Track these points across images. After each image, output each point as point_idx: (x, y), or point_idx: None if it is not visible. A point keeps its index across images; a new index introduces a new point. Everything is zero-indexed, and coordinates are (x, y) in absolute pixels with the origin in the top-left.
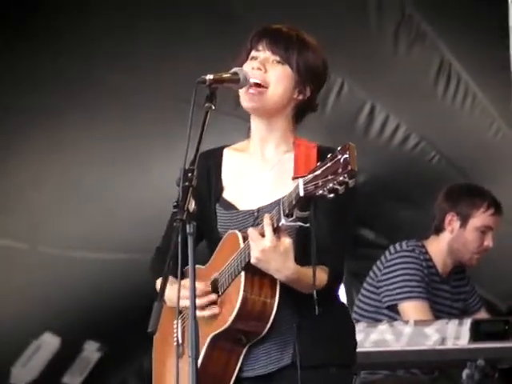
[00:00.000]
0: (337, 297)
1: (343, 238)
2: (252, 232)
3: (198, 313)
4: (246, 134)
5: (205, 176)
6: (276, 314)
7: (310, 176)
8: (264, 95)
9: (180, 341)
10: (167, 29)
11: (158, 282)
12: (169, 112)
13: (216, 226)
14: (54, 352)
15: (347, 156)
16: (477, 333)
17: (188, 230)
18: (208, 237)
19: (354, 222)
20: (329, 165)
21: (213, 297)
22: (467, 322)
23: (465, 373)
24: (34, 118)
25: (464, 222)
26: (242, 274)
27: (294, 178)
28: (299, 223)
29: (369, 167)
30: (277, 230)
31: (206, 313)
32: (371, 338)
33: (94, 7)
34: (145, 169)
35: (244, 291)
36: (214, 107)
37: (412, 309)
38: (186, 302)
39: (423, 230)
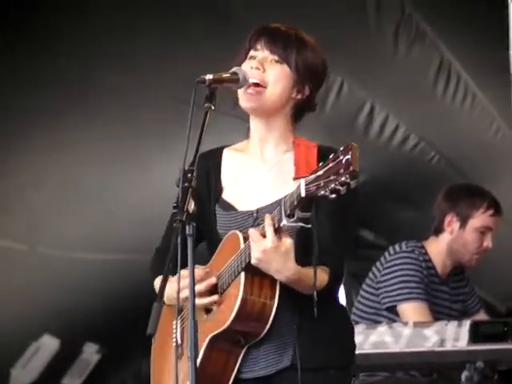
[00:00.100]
0: (336, 298)
1: (344, 238)
2: (253, 232)
3: (197, 300)
4: (246, 134)
5: (204, 177)
6: (276, 315)
7: (312, 176)
8: (262, 95)
9: (179, 341)
10: (167, 29)
11: (157, 281)
12: (168, 112)
13: (216, 226)
14: (53, 354)
15: (349, 157)
16: (476, 334)
17: (187, 231)
18: (208, 238)
19: (355, 223)
20: (331, 165)
21: (212, 280)
22: (466, 324)
23: (464, 375)
24: (34, 119)
25: (463, 222)
26: (242, 274)
27: (296, 179)
28: (300, 224)
29: (368, 167)
30: (278, 231)
31: (205, 300)
32: (370, 339)
33: (94, 7)
34: (144, 169)
35: (243, 292)
36: (213, 107)
37: (411, 310)
38: (185, 293)
39: (423, 230)
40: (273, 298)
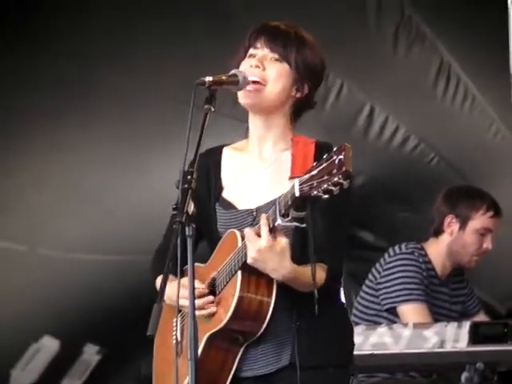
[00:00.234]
0: (335, 297)
1: (339, 237)
2: (248, 232)
3: (196, 312)
4: (245, 133)
5: (204, 175)
6: (274, 314)
7: (306, 176)
8: (262, 92)
9: (179, 339)
10: (167, 29)
11: (158, 280)
12: (168, 113)
13: (216, 225)
14: (53, 355)
15: (342, 157)
16: (476, 335)
17: (187, 233)
18: (208, 236)
19: (349, 222)
20: (324, 165)
21: (210, 298)
22: (466, 325)
23: (464, 376)
24: (34, 119)
25: (463, 224)
26: (239, 273)
27: (291, 178)
28: (295, 223)
29: (368, 169)
30: (273, 230)
31: (204, 312)
32: (370, 340)
33: (94, 7)
34: (144, 170)
35: (240, 290)
36: (213, 109)
37: (411, 311)
38: (184, 302)
39: (422, 232)
40: (270, 296)
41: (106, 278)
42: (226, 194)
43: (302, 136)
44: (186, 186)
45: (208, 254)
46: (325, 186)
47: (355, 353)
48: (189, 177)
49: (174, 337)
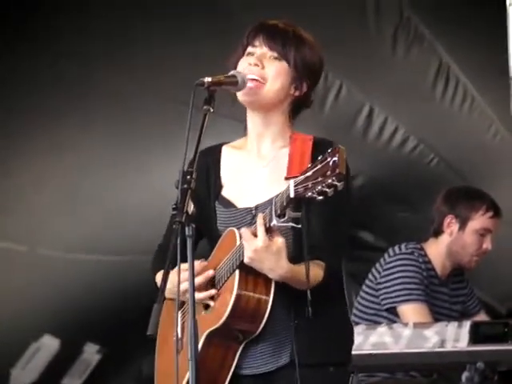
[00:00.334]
0: (335, 295)
1: (337, 234)
2: (245, 232)
3: (195, 295)
4: (243, 131)
5: (204, 174)
6: (273, 312)
7: (301, 177)
8: (261, 90)
9: (179, 335)
10: (167, 29)
11: (158, 276)
12: (168, 114)
13: (216, 223)
14: (53, 354)
15: (336, 159)
16: (476, 335)
17: (187, 233)
18: (208, 234)
19: (348, 222)
20: (319, 167)
21: (212, 292)
22: (466, 325)
23: (464, 375)
24: (34, 120)
25: (463, 224)
26: (237, 272)
27: (287, 178)
28: (291, 224)
29: (367, 169)
30: (269, 230)
31: (202, 295)
32: (370, 340)
33: (94, 8)
34: (144, 171)
35: (238, 288)
36: (212, 110)
37: (411, 311)
38: (185, 285)
39: (422, 232)
40: (268, 294)
41: (106, 278)
42: (225, 193)
43: (301, 133)
44: (185, 186)
45: (208, 252)
46: (319, 187)
47: (356, 352)
48: (188, 177)
49: (175, 333)
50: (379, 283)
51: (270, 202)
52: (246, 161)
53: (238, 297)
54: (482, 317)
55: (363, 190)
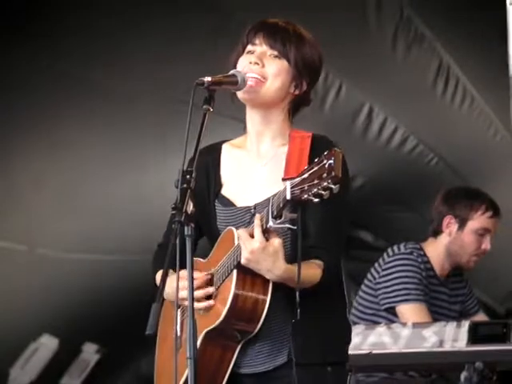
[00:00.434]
0: (333, 295)
1: (335, 234)
2: (242, 233)
3: (195, 304)
4: (243, 129)
5: (204, 172)
6: (270, 312)
7: (298, 179)
8: (261, 87)
9: (179, 333)
10: (167, 29)
11: (158, 275)
12: (167, 113)
13: (215, 222)
14: (52, 354)
15: (332, 162)
16: (475, 335)
17: (186, 232)
18: (208, 233)
19: (346, 221)
20: (315, 169)
21: (210, 290)
22: (465, 325)
23: (463, 375)
24: (33, 119)
25: (462, 224)
26: (234, 271)
27: (284, 179)
28: (287, 225)
29: (367, 169)
30: (266, 231)
31: (202, 305)
32: (369, 340)
33: (94, 8)
34: (143, 170)
35: (235, 288)
36: (211, 109)
37: (410, 311)
38: (184, 294)
39: (421, 232)
40: (265, 294)
41: (105, 278)
42: (225, 192)
43: (300, 131)
44: (184, 185)
45: (208, 250)
46: (315, 189)
47: (355, 352)
48: (188, 176)
49: (174, 331)
50: (378, 283)
51: (267, 201)
52: (245, 160)
53: (236, 296)
54: (480, 317)
55: (362, 189)
